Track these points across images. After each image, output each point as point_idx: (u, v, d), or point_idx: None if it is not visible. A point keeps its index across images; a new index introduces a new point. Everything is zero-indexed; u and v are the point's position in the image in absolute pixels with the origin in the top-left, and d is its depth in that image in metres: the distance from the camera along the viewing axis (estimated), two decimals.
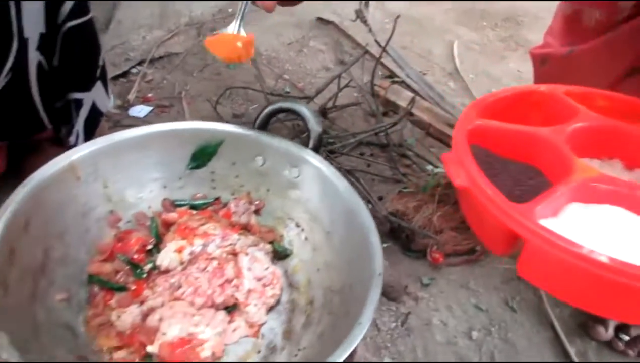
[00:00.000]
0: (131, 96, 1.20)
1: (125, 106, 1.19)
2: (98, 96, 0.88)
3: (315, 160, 0.65)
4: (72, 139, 0.88)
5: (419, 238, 0.99)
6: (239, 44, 0.61)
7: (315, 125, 0.64)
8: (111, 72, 1.23)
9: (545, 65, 1.00)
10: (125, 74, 1.26)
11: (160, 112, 1.18)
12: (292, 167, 0.67)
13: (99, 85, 0.88)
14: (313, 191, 0.66)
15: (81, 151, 0.60)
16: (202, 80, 1.31)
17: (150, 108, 1.18)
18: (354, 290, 0.56)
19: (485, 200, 0.53)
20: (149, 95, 1.23)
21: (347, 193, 0.62)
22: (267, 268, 0.62)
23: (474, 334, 0.89)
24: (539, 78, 1.03)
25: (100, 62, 0.87)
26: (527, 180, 0.65)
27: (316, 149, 0.65)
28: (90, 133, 0.89)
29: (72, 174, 0.59)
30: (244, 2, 0.62)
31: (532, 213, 0.52)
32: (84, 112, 0.86)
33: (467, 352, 0.87)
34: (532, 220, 0.50)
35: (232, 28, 0.63)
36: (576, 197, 0.57)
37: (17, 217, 0.52)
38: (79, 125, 0.86)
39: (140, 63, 1.29)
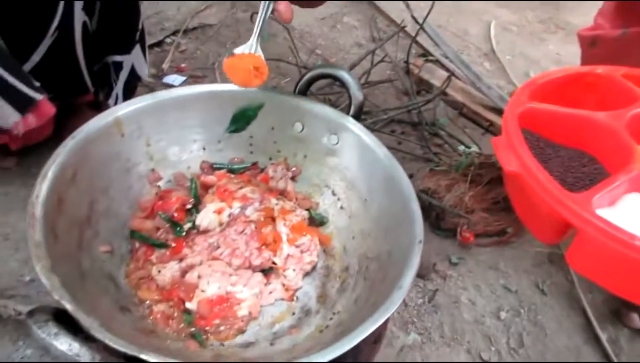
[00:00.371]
0: (165, 65, 1.21)
1: (159, 75, 1.20)
2: (137, 60, 0.89)
3: (355, 127, 0.65)
4: (111, 101, 0.89)
5: (450, 217, 0.98)
6: (252, 68, 0.62)
7: (356, 92, 0.64)
8: (147, 42, 1.24)
9: (595, 48, 0.96)
10: (159, 44, 1.27)
11: (194, 82, 1.19)
12: (331, 134, 0.67)
13: (137, 49, 0.89)
14: (351, 159, 0.66)
15: (126, 107, 0.61)
16: None
17: (184, 77, 1.19)
18: (392, 256, 0.56)
19: (538, 188, 0.52)
20: (183, 65, 1.23)
21: (388, 161, 0.61)
22: (304, 235, 0.62)
23: (502, 314, 0.89)
24: (586, 60, 1.00)
25: (140, 26, 0.88)
26: (581, 167, 0.63)
27: (357, 117, 0.65)
28: (128, 97, 0.90)
29: (118, 130, 0.60)
30: (261, 17, 0.61)
31: (589, 204, 0.50)
32: (123, 75, 0.87)
33: (495, 331, 0.86)
34: (590, 211, 0.49)
35: (250, 46, 0.62)
36: (635, 187, 0.55)
37: (66, 168, 0.53)
38: (119, 89, 0.87)
39: (174, 33, 1.29)
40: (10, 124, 0.74)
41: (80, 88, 0.84)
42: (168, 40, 1.28)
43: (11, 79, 0.70)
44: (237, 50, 0.63)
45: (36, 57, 0.75)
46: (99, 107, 0.91)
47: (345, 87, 0.64)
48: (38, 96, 0.74)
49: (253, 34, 0.63)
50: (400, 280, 0.49)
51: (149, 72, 1.18)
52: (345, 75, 0.63)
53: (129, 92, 0.91)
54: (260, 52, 0.63)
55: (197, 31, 1.32)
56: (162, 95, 0.63)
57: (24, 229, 0.82)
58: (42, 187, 0.50)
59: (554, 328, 0.87)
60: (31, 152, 0.87)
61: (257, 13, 0.62)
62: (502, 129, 0.59)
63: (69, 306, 0.42)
